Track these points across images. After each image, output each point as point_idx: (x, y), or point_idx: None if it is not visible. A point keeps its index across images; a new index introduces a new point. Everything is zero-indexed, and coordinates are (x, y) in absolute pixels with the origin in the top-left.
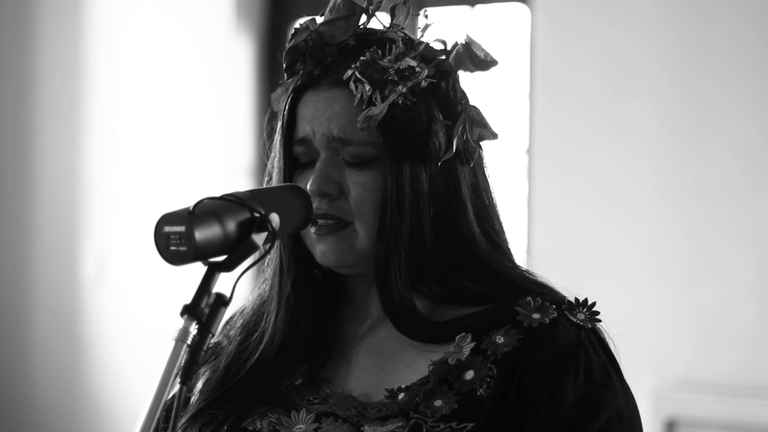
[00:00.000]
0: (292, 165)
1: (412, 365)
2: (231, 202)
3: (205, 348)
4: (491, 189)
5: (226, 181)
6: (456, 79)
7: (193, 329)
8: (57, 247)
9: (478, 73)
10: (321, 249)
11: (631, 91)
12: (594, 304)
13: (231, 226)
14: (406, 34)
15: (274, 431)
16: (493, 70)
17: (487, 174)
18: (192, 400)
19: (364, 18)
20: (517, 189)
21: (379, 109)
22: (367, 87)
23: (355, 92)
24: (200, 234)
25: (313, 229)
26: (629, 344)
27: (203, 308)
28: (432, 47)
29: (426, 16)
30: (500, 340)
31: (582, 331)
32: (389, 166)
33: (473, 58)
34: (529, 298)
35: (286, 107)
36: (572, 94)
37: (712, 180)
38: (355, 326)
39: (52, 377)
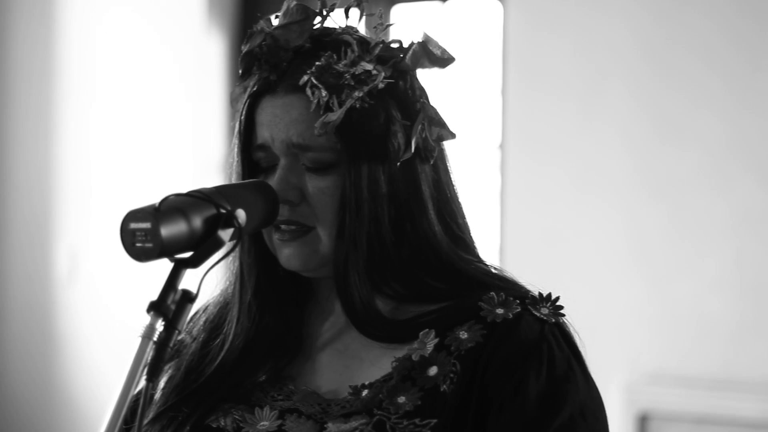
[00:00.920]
0: (253, 170)
1: (377, 363)
2: (197, 198)
3: (171, 345)
4: (453, 182)
5: (199, 178)
6: (414, 77)
7: (160, 326)
8: (30, 245)
9: (443, 70)
10: (285, 254)
11: (604, 85)
12: (558, 298)
13: (197, 222)
14: (361, 36)
15: (237, 428)
16: (450, 67)
17: (449, 167)
18: (155, 397)
19: (318, 19)
20: (490, 184)
21: (337, 115)
22: (324, 93)
23: (311, 98)
24: (166, 230)
25: (276, 235)
26: (602, 338)
27: (169, 305)
28: (389, 46)
29: (380, 16)
30: (464, 335)
31: (545, 325)
32: (348, 171)
33: (430, 55)
34: (492, 293)
35: (244, 113)
36: (545, 89)
37: (685, 174)
38: (320, 324)
39: (25, 374)
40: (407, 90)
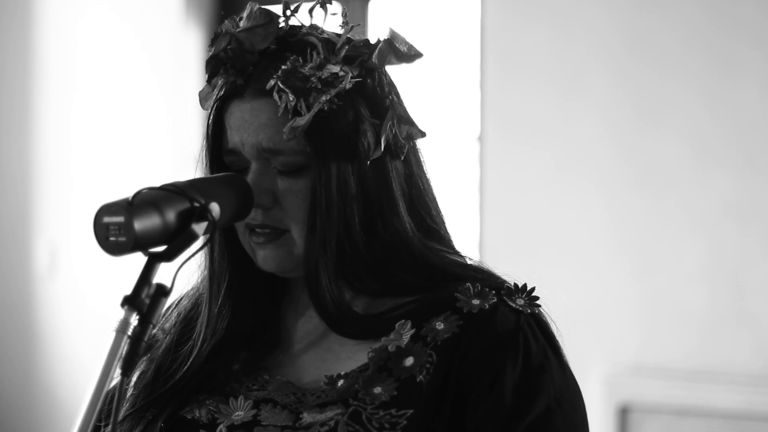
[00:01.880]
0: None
1: (354, 355)
2: (170, 191)
3: (146, 339)
4: (426, 174)
5: (178, 171)
6: (382, 73)
7: (134, 320)
8: (9, 239)
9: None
10: (261, 256)
11: (583, 77)
12: (533, 289)
13: (170, 216)
14: (326, 37)
15: (212, 419)
16: (419, 61)
17: (421, 160)
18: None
19: (282, 20)
20: (468, 176)
21: (305, 120)
22: (291, 97)
23: (279, 102)
24: (139, 224)
25: (252, 238)
26: (581, 330)
27: (144, 299)
28: (355, 46)
29: (345, 15)
30: (440, 326)
31: (521, 316)
32: (317, 174)
33: (396, 52)
34: (468, 284)
35: (211, 117)
36: (525, 78)
37: (663, 165)
38: (296, 319)
39: (5, 369)
40: (375, 87)
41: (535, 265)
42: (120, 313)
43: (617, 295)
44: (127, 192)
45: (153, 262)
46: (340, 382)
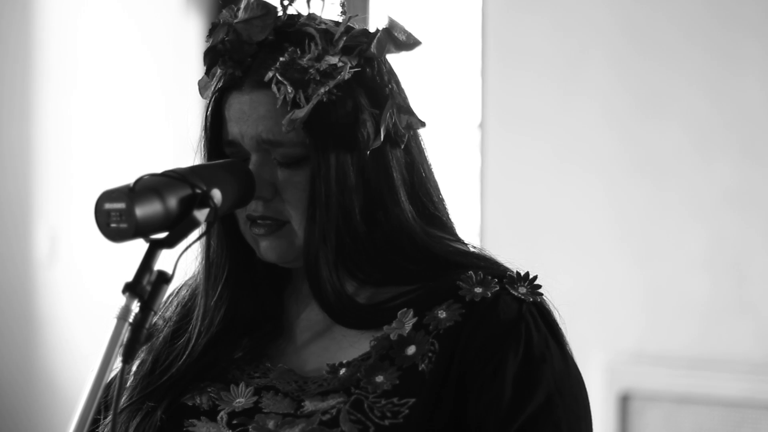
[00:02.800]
0: None
1: (356, 344)
2: (172, 178)
3: (147, 326)
4: (428, 161)
5: (179, 159)
6: (382, 62)
7: (135, 307)
8: (10, 226)
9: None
10: (262, 247)
11: (586, 63)
12: (536, 277)
13: (172, 202)
14: (325, 27)
15: (213, 406)
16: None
17: (422, 146)
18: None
19: (280, 11)
20: (469, 164)
21: (304, 112)
22: (290, 89)
23: (277, 94)
24: (141, 211)
25: (253, 229)
26: (583, 317)
27: (145, 286)
28: (353, 36)
29: (343, 5)
30: (442, 314)
31: (523, 305)
32: (316, 166)
33: (395, 41)
34: (470, 272)
35: (210, 108)
36: (525, 67)
37: (664, 154)
38: (298, 308)
39: (4, 357)
40: (375, 76)
41: (536, 253)
42: (121, 300)
43: (618, 283)
44: (127, 179)
45: (154, 248)
46: (342, 371)
